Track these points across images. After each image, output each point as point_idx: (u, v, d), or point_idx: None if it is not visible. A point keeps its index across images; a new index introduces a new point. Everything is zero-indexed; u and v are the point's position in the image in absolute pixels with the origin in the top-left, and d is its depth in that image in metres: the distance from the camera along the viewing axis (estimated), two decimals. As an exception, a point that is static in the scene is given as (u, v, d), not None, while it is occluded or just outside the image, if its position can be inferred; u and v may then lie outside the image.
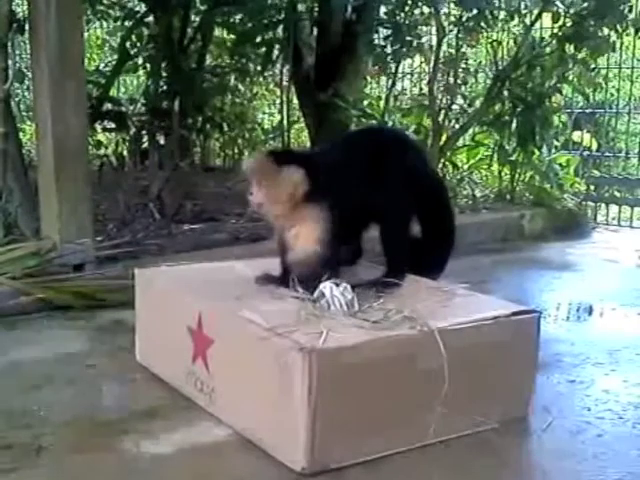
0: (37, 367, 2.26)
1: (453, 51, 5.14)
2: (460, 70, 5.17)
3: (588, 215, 5.05)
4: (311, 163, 2.03)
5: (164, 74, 4.22)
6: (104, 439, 1.80)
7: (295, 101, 5.17)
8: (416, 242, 2.27)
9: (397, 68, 5.13)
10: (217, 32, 5.08)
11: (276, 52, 4.79)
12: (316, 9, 4.90)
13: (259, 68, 5.10)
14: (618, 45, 4.78)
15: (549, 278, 3.55)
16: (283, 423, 1.66)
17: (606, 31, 4.53)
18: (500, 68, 4.87)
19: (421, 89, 5.82)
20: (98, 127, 4.40)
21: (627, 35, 4.84)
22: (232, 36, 4.93)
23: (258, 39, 4.61)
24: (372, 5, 4.57)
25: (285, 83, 5.15)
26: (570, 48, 4.63)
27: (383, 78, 5.76)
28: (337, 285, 1.88)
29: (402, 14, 4.73)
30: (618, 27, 4.50)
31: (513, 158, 4.91)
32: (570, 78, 4.86)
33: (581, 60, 4.66)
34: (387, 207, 2.12)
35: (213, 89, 4.74)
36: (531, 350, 1.92)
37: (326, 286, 1.87)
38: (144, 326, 2.28)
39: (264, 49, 4.69)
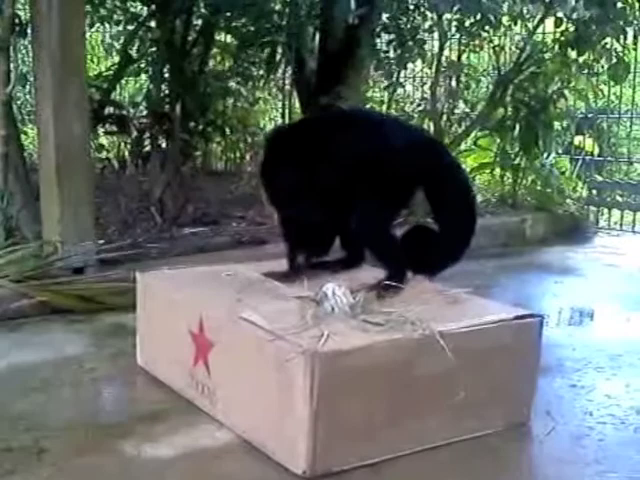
0: (38, 370, 2.25)
1: (455, 56, 5.16)
2: (462, 75, 5.18)
3: (590, 220, 5.04)
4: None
5: (166, 77, 4.22)
6: (105, 442, 1.79)
7: (297, 105, 5.17)
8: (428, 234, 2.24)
9: (399, 73, 5.13)
10: (220, 36, 5.09)
11: (278, 56, 4.80)
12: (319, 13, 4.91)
13: (262, 72, 5.10)
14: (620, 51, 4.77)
15: (551, 282, 3.55)
16: (284, 426, 1.65)
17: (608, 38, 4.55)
18: (502, 73, 4.87)
19: (424, 93, 5.82)
20: (100, 130, 4.40)
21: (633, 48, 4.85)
22: (235, 40, 4.93)
23: (261, 43, 4.61)
24: (375, 10, 4.58)
25: (287, 87, 5.16)
26: (572, 53, 4.64)
27: (385, 82, 5.76)
28: (340, 287, 1.88)
29: (404, 19, 4.74)
30: (620, 36, 4.52)
31: (515, 163, 4.92)
32: (572, 84, 4.86)
33: (584, 65, 4.67)
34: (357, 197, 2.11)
35: (215, 93, 4.74)
36: (533, 354, 1.92)
37: (329, 287, 1.87)
38: (145, 329, 2.27)
39: (267, 54, 4.70)
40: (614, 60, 4.59)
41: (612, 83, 5.06)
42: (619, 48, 4.62)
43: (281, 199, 2.23)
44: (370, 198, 2.10)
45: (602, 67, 4.86)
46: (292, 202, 2.18)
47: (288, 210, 2.21)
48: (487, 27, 4.67)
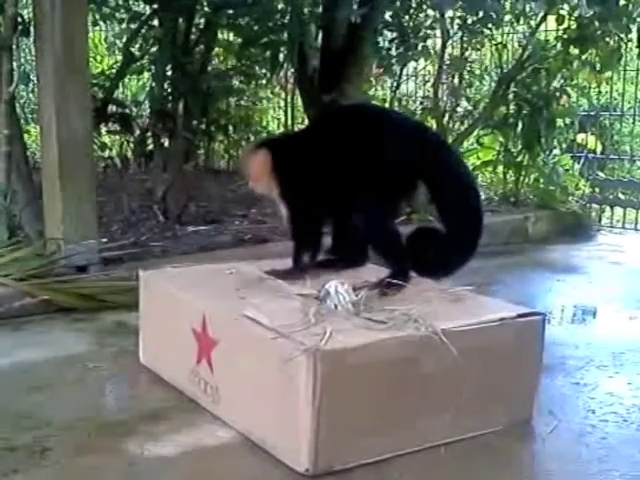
0: (41, 369, 2.26)
1: (458, 53, 5.15)
2: (465, 72, 5.18)
3: (592, 218, 5.04)
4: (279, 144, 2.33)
5: (169, 76, 4.22)
6: (108, 441, 1.80)
7: (300, 103, 5.17)
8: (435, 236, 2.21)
9: (402, 70, 5.12)
10: (224, 35, 5.09)
11: (282, 55, 4.79)
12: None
13: (264, 71, 5.10)
14: (623, 48, 4.76)
15: (553, 280, 3.55)
16: (287, 424, 1.65)
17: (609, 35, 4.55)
18: (505, 71, 4.87)
19: (427, 91, 5.82)
20: (103, 129, 4.41)
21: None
22: (238, 39, 4.93)
23: (264, 42, 4.61)
24: (377, 8, 4.58)
25: (290, 86, 5.15)
26: (575, 50, 4.64)
27: (387, 80, 5.76)
28: (342, 284, 1.88)
29: (407, 17, 4.74)
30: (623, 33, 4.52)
31: (518, 160, 4.91)
32: (574, 80, 4.86)
33: (586, 61, 4.67)
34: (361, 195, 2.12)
35: (218, 91, 4.74)
36: (536, 352, 1.91)
37: (331, 285, 1.87)
38: (148, 328, 2.27)
39: (270, 52, 4.70)
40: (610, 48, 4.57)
41: (614, 79, 5.06)
42: (622, 45, 4.63)
43: (293, 193, 2.22)
44: (371, 195, 2.09)
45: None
46: (304, 196, 2.19)
47: (299, 205, 2.21)
48: (489, 25, 4.66)
